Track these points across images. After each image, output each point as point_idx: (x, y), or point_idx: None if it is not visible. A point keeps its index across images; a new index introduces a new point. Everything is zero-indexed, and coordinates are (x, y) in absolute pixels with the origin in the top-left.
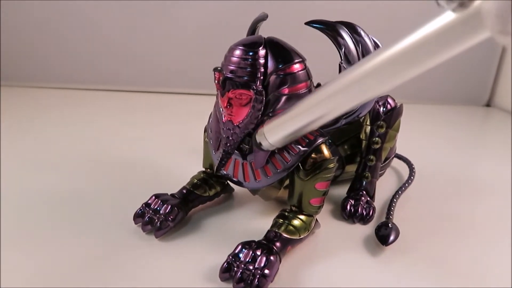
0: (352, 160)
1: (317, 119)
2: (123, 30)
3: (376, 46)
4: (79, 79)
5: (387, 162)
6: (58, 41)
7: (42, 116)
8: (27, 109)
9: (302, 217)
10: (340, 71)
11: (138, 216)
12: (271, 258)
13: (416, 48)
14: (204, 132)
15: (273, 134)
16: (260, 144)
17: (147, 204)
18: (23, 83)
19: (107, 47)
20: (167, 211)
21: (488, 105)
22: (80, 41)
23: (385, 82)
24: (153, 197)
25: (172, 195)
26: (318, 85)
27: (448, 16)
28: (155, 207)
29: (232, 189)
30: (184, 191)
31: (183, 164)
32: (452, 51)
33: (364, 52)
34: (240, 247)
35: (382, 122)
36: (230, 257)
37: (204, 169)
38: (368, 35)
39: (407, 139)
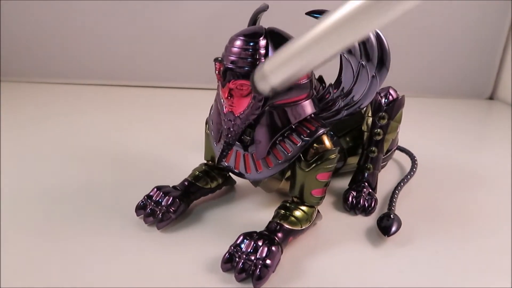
0: (354, 152)
1: (329, 47)
2: (122, 24)
3: (377, 35)
4: (80, 74)
5: (389, 153)
6: (58, 37)
7: (43, 111)
8: (27, 104)
9: (304, 208)
10: (341, 61)
11: (140, 208)
12: (273, 248)
13: None
14: (205, 124)
15: (278, 74)
16: (260, 89)
17: (149, 196)
18: (24, 78)
19: (108, 42)
20: (169, 203)
21: (491, 98)
22: (80, 36)
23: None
24: (155, 189)
25: (174, 187)
26: (320, 77)
27: None
28: (157, 199)
29: (234, 181)
30: (186, 183)
31: (184, 156)
32: None
33: (365, 42)
34: (241, 237)
35: (384, 114)
36: (232, 247)
37: (205, 161)
38: None
39: (410, 132)
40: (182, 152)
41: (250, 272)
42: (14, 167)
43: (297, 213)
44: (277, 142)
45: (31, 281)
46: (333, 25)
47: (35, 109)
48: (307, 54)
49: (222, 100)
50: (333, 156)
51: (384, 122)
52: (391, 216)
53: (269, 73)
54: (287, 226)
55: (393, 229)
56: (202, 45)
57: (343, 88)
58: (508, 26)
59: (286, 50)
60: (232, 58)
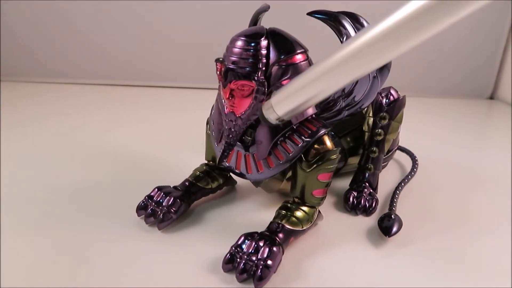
0: (355, 152)
1: (330, 87)
2: (123, 24)
3: None
4: (80, 74)
5: (390, 154)
6: (58, 36)
7: (43, 110)
8: (28, 104)
9: (305, 208)
10: None
11: (141, 209)
12: (274, 249)
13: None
14: (206, 124)
15: (282, 106)
16: (268, 118)
17: (149, 197)
18: (24, 78)
19: (108, 42)
20: (169, 203)
21: (491, 98)
22: (80, 36)
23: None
24: (156, 190)
25: (175, 187)
26: None
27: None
28: (158, 199)
29: (235, 182)
30: (187, 183)
31: (185, 156)
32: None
33: None
34: (243, 238)
35: (385, 114)
36: (233, 248)
37: (206, 162)
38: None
39: (411, 132)
40: (183, 152)
41: (251, 272)
42: (14, 166)
43: (298, 213)
44: (278, 142)
45: (31, 281)
46: (331, 65)
47: (35, 109)
48: (309, 89)
49: (223, 100)
50: (334, 156)
51: (385, 122)
52: (392, 216)
53: (275, 105)
54: (288, 226)
55: (394, 229)
56: (203, 45)
57: (344, 88)
58: (508, 26)
59: (291, 86)
60: (233, 58)
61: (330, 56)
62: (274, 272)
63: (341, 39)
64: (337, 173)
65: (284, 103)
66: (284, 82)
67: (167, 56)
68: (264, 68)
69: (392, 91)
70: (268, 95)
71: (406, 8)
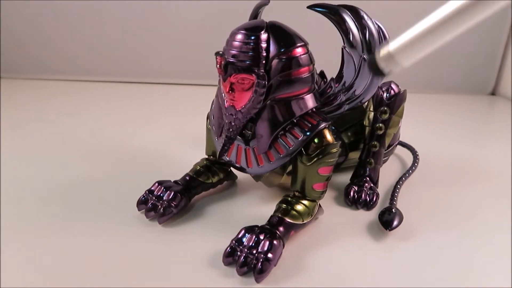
0: (356, 147)
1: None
2: (123, 21)
3: (379, 29)
4: (80, 70)
5: (390, 148)
6: (58, 33)
7: (43, 107)
8: (28, 101)
9: (305, 202)
10: (343, 55)
11: (142, 203)
12: (275, 242)
13: None
14: (207, 119)
15: (409, 56)
16: (383, 70)
17: (150, 191)
18: (24, 75)
19: (108, 38)
20: (170, 197)
21: (493, 93)
22: (80, 33)
23: None
24: (156, 184)
25: (175, 182)
26: (322, 72)
27: None
28: (158, 193)
29: (235, 176)
30: (187, 178)
31: (186, 151)
32: None
33: (367, 35)
34: (243, 231)
35: (385, 108)
36: (234, 241)
37: (207, 156)
38: (371, 19)
39: (412, 127)
40: (184, 147)
41: (252, 266)
42: (15, 163)
43: (299, 207)
44: (279, 136)
45: (31, 279)
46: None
47: (35, 106)
48: (440, 32)
49: (223, 94)
50: (334, 150)
51: (385, 116)
52: (393, 210)
53: (399, 57)
54: (289, 220)
55: (395, 223)
56: (203, 41)
57: (344, 82)
58: (509, 22)
59: (416, 31)
60: (233, 52)
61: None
62: (275, 266)
63: (342, 33)
64: (338, 168)
65: (412, 53)
66: (284, 75)
67: (167, 52)
68: (264, 62)
69: (393, 86)
70: (268, 90)
71: None
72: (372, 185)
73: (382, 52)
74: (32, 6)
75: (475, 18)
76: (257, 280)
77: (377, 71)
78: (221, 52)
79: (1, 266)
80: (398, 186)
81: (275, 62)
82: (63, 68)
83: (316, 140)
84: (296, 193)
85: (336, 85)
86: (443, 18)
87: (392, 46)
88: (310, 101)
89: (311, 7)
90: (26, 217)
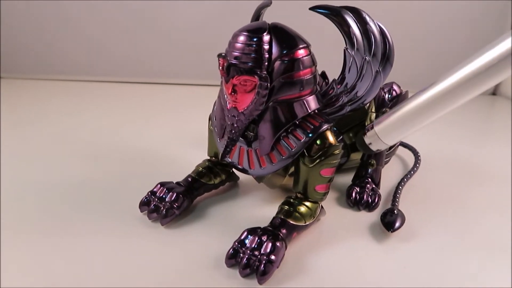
0: (357, 148)
1: (433, 114)
2: (124, 21)
3: (381, 31)
4: (82, 71)
5: (392, 149)
6: (59, 34)
7: (44, 107)
8: (29, 101)
9: (307, 203)
10: (345, 56)
11: (144, 204)
12: (277, 244)
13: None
14: (209, 120)
15: (391, 137)
16: (370, 144)
17: (152, 192)
18: (25, 75)
19: (109, 38)
20: (172, 198)
21: (494, 93)
22: (81, 33)
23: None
24: (159, 185)
25: (178, 183)
26: (323, 73)
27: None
28: (161, 195)
29: (237, 177)
30: (189, 179)
31: (188, 152)
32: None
33: (369, 37)
34: (246, 233)
35: (387, 109)
36: (236, 243)
37: (209, 157)
38: (373, 20)
39: None
40: (186, 148)
41: (255, 267)
42: (15, 163)
43: (301, 208)
44: (281, 137)
45: (31, 279)
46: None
47: (35, 106)
48: (420, 116)
49: (225, 95)
50: (337, 151)
51: None
52: (395, 211)
53: (383, 137)
54: (291, 221)
55: (397, 224)
56: (205, 41)
57: (346, 83)
58: (509, 22)
59: (397, 116)
60: (236, 53)
61: (439, 81)
62: (277, 267)
63: (344, 35)
64: (340, 169)
65: (393, 134)
66: (287, 77)
67: (169, 52)
68: (266, 63)
69: (395, 87)
70: (270, 92)
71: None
72: (374, 186)
73: (369, 133)
74: (32, 6)
75: (449, 107)
76: (260, 282)
77: (365, 148)
78: (223, 54)
79: (1, 266)
80: (400, 187)
81: (277, 63)
82: (63, 68)
83: (318, 142)
84: (299, 195)
85: (338, 86)
86: (421, 106)
87: (377, 128)
88: (312, 103)
89: (313, 8)
90: (26, 217)
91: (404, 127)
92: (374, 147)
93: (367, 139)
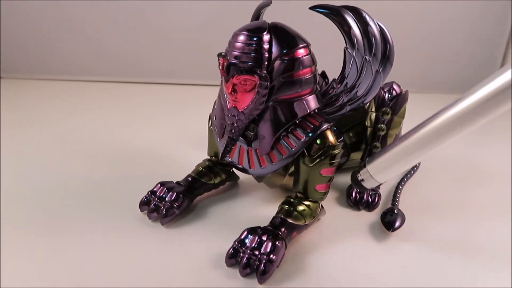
0: (357, 148)
1: (423, 153)
2: (124, 21)
3: (381, 31)
4: (82, 71)
5: None
6: (59, 34)
7: (45, 108)
8: (29, 101)
9: (307, 203)
10: (345, 56)
11: (144, 204)
12: (277, 243)
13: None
14: (209, 119)
15: (383, 175)
16: (362, 181)
17: (152, 192)
18: (25, 75)
19: (109, 38)
20: (172, 198)
21: None
22: (81, 33)
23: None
24: (159, 185)
25: (178, 182)
26: (323, 73)
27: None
28: (161, 194)
29: (237, 177)
30: (190, 178)
31: (188, 152)
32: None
33: (369, 37)
34: (246, 233)
35: (387, 109)
36: (236, 243)
37: (209, 157)
38: (373, 20)
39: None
40: (186, 148)
41: (255, 267)
42: (15, 164)
43: (301, 208)
44: (281, 137)
45: (32, 279)
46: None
47: (36, 106)
48: (411, 156)
49: (225, 95)
50: (337, 151)
51: (387, 117)
52: (395, 211)
53: (375, 175)
54: (291, 221)
55: (397, 224)
56: (205, 41)
57: (346, 83)
58: (509, 22)
59: (389, 155)
60: (236, 53)
61: (428, 121)
62: (277, 267)
63: (344, 34)
64: (340, 168)
65: (385, 172)
66: (287, 77)
67: (169, 52)
68: (266, 63)
69: (395, 86)
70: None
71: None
72: None
73: (362, 171)
74: (32, 6)
75: (439, 146)
76: (260, 281)
77: (358, 185)
78: (223, 53)
79: (1, 266)
80: (400, 187)
81: (277, 63)
82: (63, 68)
83: (318, 141)
84: (299, 194)
85: (338, 86)
86: (412, 146)
87: (369, 166)
88: (312, 102)
89: (313, 8)
90: (26, 217)
91: (395, 165)
92: (367, 185)
93: (360, 176)
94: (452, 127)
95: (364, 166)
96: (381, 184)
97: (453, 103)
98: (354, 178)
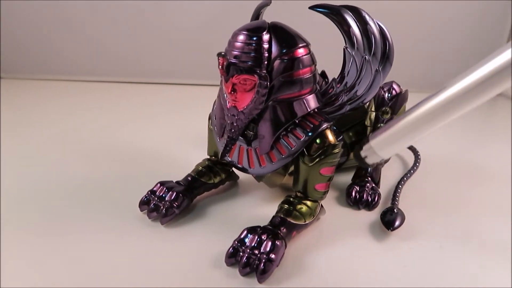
0: None
1: (427, 129)
2: (124, 21)
3: (381, 30)
4: (81, 71)
5: None
6: (59, 34)
7: (45, 108)
8: (29, 101)
9: (307, 202)
10: (344, 55)
11: (144, 203)
12: (277, 243)
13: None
14: (209, 119)
15: (383, 147)
16: (366, 157)
17: (152, 192)
18: (25, 75)
19: (109, 38)
20: (172, 198)
21: None
22: (82, 33)
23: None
24: (158, 185)
25: (177, 182)
26: (323, 72)
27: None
28: (161, 194)
29: (237, 177)
30: (189, 178)
31: (187, 152)
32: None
33: (369, 36)
34: (245, 232)
35: (387, 108)
36: (236, 242)
37: (209, 157)
38: (373, 19)
39: None
40: (185, 148)
41: (254, 266)
42: (15, 164)
43: (301, 207)
44: (281, 136)
45: (32, 279)
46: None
47: (36, 106)
48: (414, 130)
49: (225, 95)
50: (336, 150)
51: (387, 116)
52: (395, 210)
53: (378, 150)
54: (291, 220)
55: (397, 223)
56: (205, 41)
57: (346, 82)
58: (510, 21)
59: (391, 130)
60: (235, 52)
61: (431, 96)
62: (277, 266)
63: (343, 34)
64: (340, 168)
65: (389, 147)
66: (286, 76)
67: (168, 52)
68: (266, 62)
69: (395, 86)
70: (270, 90)
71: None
72: (373, 185)
73: (365, 146)
74: (32, 6)
75: (444, 121)
76: (260, 281)
77: (361, 161)
78: (223, 53)
79: (1, 266)
80: (400, 186)
81: (277, 62)
82: (63, 68)
83: (318, 141)
84: (298, 194)
85: (338, 85)
86: (416, 120)
87: (373, 142)
88: (312, 102)
89: (312, 7)
90: (26, 217)
91: (399, 140)
92: (369, 161)
93: (363, 153)
94: (456, 103)
95: (367, 141)
96: (383, 160)
97: (456, 79)
98: (357, 155)
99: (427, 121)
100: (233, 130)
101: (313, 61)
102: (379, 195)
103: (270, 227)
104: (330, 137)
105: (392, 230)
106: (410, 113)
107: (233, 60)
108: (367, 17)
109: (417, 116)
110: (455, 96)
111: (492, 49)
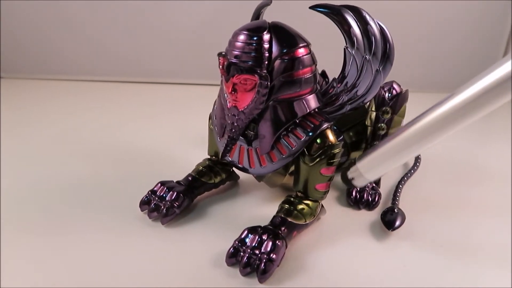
0: (358, 147)
1: (413, 151)
2: (125, 20)
3: (381, 30)
4: (82, 70)
5: None
6: (60, 33)
7: (45, 107)
8: (30, 101)
9: (308, 202)
10: (345, 55)
11: (144, 203)
12: (278, 242)
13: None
14: (209, 119)
15: (373, 173)
16: (352, 179)
17: (153, 191)
18: (25, 75)
19: (110, 38)
20: (173, 197)
21: None
22: (82, 33)
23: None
24: (159, 184)
25: (178, 182)
26: (323, 72)
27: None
28: (161, 194)
29: (238, 176)
30: (190, 178)
31: (188, 151)
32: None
33: (369, 36)
34: (246, 232)
35: (387, 108)
36: (237, 242)
37: (209, 157)
38: (373, 19)
39: None
40: (186, 148)
41: (255, 266)
42: (16, 163)
43: (301, 207)
44: (281, 136)
45: (32, 279)
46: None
47: (36, 106)
48: (400, 154)
49: (225, 94)
50: (337, 150)
51: (387, 116)
52: (395, 210)
53: (365, 173)
54: (292, 220)
55: (397, 223)
56: (205, 41)
57: (347, 82)
58: (510, 21)
59: (378, 154)
60: (236, 52)
61: (415, 121)
62: (278, 266)
63: (344, 34)
64: (340, 168)
65: (374, 170)
66: (287, 76)
67: (169, 52)
68: (266, 62)
69: (395, 86)
70: (271, 90)
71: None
72: (374, 185)
73: (352, 168)
74: (32, 6)
75: (427, 144)
76: (260, 281)
77: (349, 183)
78: (223, 53)
79: (1, 266)
80: (400, 186)
81: (277, 62)
82: (63, 68)
83: (318, 141)
84: (299, 194)
85: (338, 85)
86: (401, 143)
87: (359, 164)
88: (312, 102)
89: (313, 7)
90: (26, 217)
91: (385, 163)
92: (356, 183)
93: (349, 174)
94: (441, 125)
95: (354, 164)
96: (370, 182)
97: (442, 101)
98: (344, 177)
99: (412, 143)
100: (233, 130)
101: (313, 61)
102: (380, 195)
103: (271, 227)
104: (331, 137)
105: (392, 230)
106: (396, 135)
107: (234, 60)
108: (368, 17)
109: (403, 138)
110: (439, 119)
111: (492, 49)
